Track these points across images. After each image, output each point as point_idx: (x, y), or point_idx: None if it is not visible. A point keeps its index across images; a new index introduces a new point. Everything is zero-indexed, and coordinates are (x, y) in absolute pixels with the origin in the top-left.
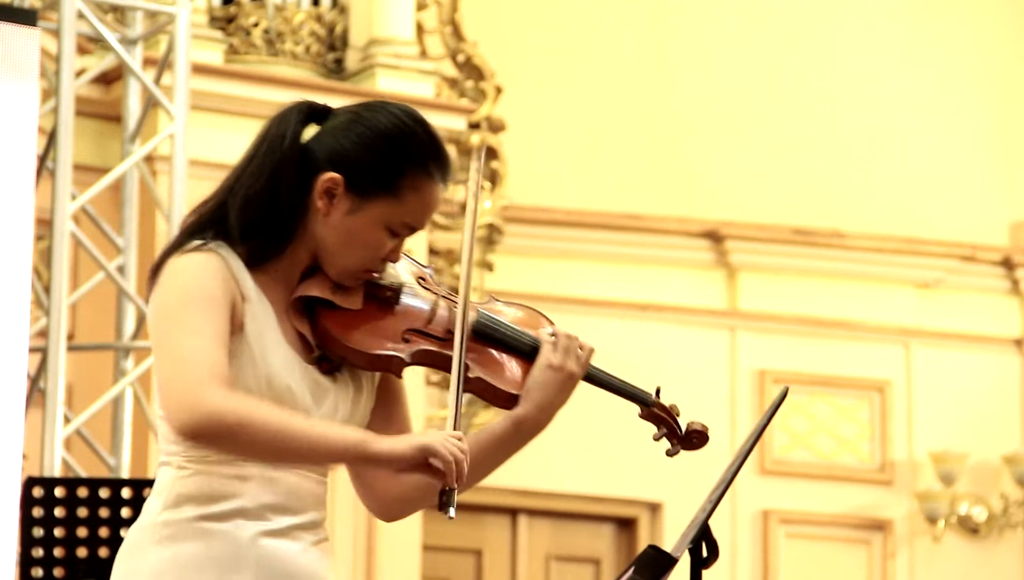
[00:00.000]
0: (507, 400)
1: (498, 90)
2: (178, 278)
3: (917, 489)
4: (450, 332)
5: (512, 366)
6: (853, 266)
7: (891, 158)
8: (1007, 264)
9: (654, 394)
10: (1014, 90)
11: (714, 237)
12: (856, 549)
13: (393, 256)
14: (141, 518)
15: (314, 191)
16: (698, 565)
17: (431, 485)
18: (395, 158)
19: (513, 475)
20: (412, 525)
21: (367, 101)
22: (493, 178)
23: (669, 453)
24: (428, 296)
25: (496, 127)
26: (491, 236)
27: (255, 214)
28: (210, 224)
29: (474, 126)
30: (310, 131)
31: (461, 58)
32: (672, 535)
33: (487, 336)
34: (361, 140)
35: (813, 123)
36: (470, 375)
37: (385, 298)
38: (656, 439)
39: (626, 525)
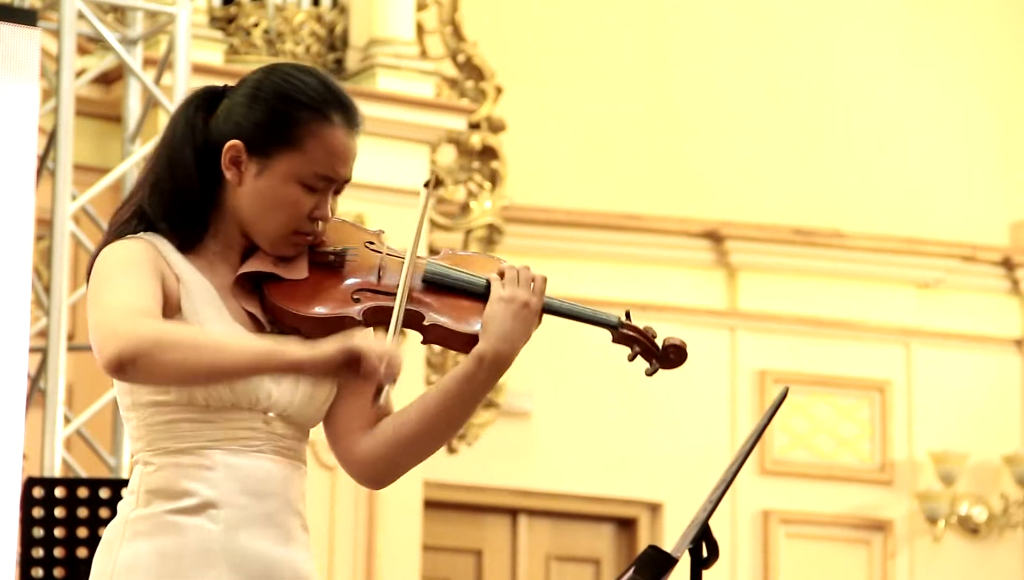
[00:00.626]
0: (469, 343)
1: (498, 90)
2: (106, 260)
3: (917, 489)
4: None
5: (469, 309)
6: (853, 266)
7: (891, 158)
8: (1007, 264)
9: (623, 316)
10: (1014, 90)
11: (714, 237)
12: (856, 549)
13: (318, 213)
14: (116, 516)
15: (221, 165)
16: (698, 565)
17: (412, 441)
18: (288, 110)
19: (513, 475)
20: (412, 525)
21: (263, 67)
22: (493, 178)
23: (648, 372)
24: (374, 256)
25: (496, 127)
26: (491, 236)
27: (169, 200)
28: (133, 218)
29: (474, 126)
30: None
31: (461, 58)
32: (672, 535)
33: (439, 284)
34: (253, 102)
35: (813, 123)
36: (426, 324)
37: (329, 262)
38: (631, 359)
39: (626, 525)
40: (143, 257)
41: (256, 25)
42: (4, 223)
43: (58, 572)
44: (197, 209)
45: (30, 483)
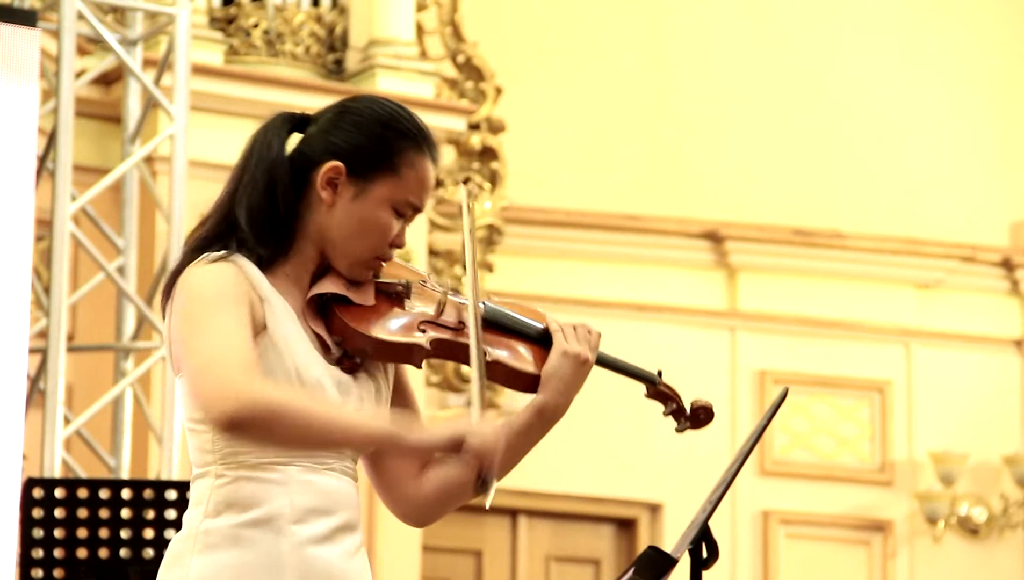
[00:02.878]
0: (528, 383)
1: (498, 91)
2: (194, 288)
3: (917, 489)
4: (462, 322)
5: (526, 351)
6: (853, 266)
7: (891, 158)
8: (1007, 264)
9: (657, 374)
10: (1014, 90)
11: (714, 237)
12: (856, 549)
13: (399, 240)
14: (182, 530)
15: (314, 186)
16: (698, 566)
17: (459, 485)
18: (389, 138)
19: (513, 475)
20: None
21: (347, 97)
22: (493, 179)
23: (678, 430)
24: (434, 292)
25: (496, 128)
26: (491, 237)
27: (260, 221)
28: (216, 238)
29: (474, 127)
30: (294, 138)
31: (461, 59)
32: (672, 536)
33: (498, 324)
34: (355, 127)
35: (813, 123)
36: (489, 360)
37: (396, 293)
38: (665, 416)
39: (626, 526)
40: (231, 286)
41: (256, 26)
42: (4, 223)
43: (58, 573)
44: (285, 228)
45: (30, 484)
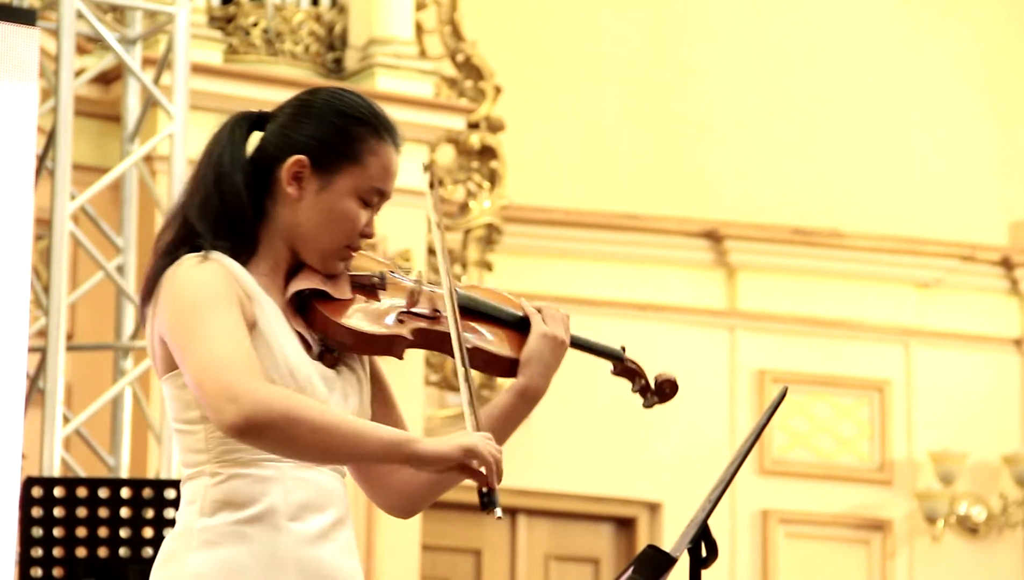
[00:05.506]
0: (507, 368)
1: (497, 90)
2: (187, 290)
3: (916, 489)
4: (437, 311)
5: (503, 336)
6: (853, 266)
7: (891, 158)
8: (1006, 264)
9: (621, 350)
10: (1013, 90)
11: (713, 237)
12: (855, 549)
13: (369, 229)
14: (176, 528)
15: (280, 182)
16: (697, 565)
17: (444, 480)
18: (350, 128)
19: (512, 475)
20: (411, 525)
21: (303, 90)
22: (492, 178)
23: (645, 405)
24: (407, 283)
25: (495, 127)
26: (490, 236)
27: (219, 219)
28: (182, 241)
29: (473, 126)
30: (255, 137)
31: (460, 58)
32: (671, 535)
33: (473, 311)
34: (315, 120)
35: (813, 123)
36: (469, 347)
37: (372, 285)
38: (634, 392)
39: (625, 525)
40: (223, 286)
41: (255, 25)
42: (3, 223)
43: (57, 572)
44: (248, 227)
45: (29, 483)
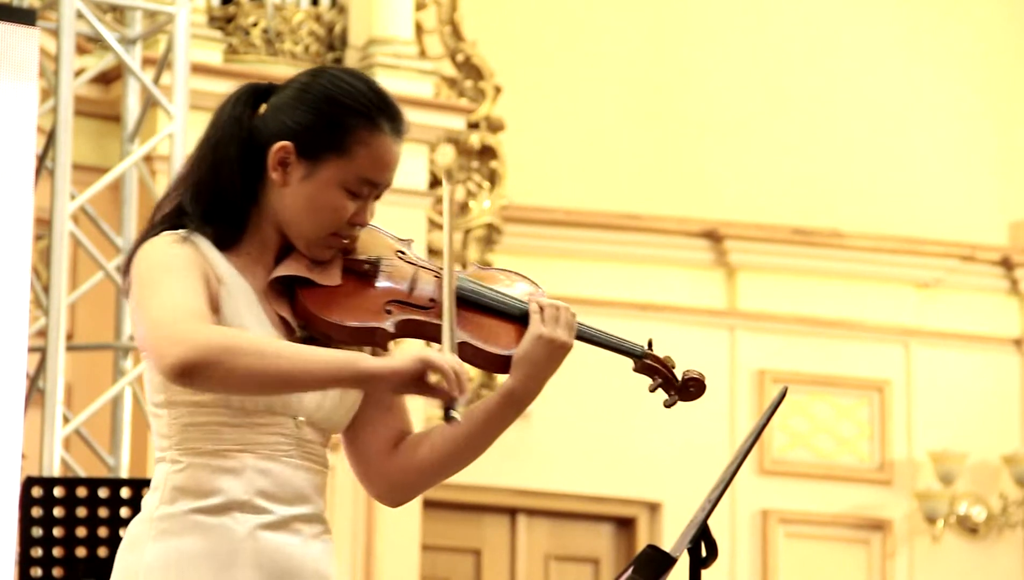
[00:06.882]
0: (499, 364)
1: (497, 90)
2: (150, 256)
3: (916, 489)
4: (433, 301)
5: (501, 330)
6: (853, 266)
7: (891, 158)
8: (1006, 264)
9: (646, 346)
10: (1013, 90)
11: (713, 237)
12: (855, 549)
13: (358, 218)
14: (141, 513)
15: (268, 165)
16: (697, 565)
17: (433, 462)
18: (339, 116)
19: (513, 475)
20: (411, 525)
21: (310, 69)
22: (492, 178)
23: (666, 404)
24: (408, 267)
25: (495, 127)
26: (490, 236)
27: (210, 198)
28: (173, 214)
29: (473, 126)
30: (262, 111)
31: (460, 58)
32: (671, 535)
33: (472, 302)
34: (305, 105)
35: (813, 123)
36: (458, 341)
37: (364, 271)
38: (652, 390)
39: (625, 525)
40: (187, 257)
41: (255, 25)
42: (3, 223)
43: (57, 572)
44: (238, 207)
45: (29, 483)
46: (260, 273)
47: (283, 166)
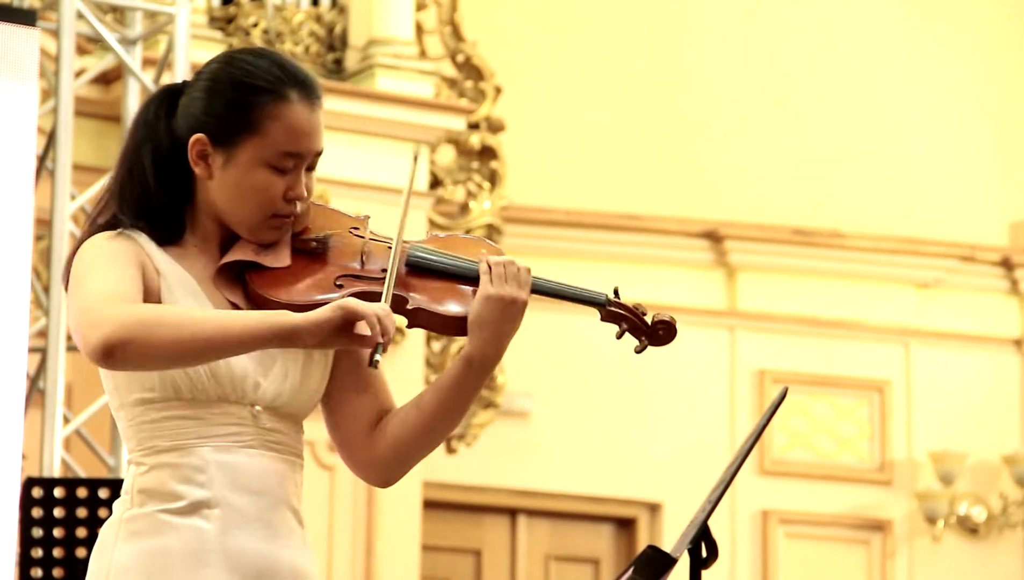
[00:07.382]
0: (455, 326)
1: (497, 90)
2: (86, 252)
3: (916, 489)
4: (384, 270)
5: (455, 293)
6: (853, 266)
7: (891, 158)
8: (1006, 264)
9: (612, 293)
10: (1013, 90)
11: (713, 237)
12: (855, 549)
13: (292, 193)
14: (111, 517)
15: (190, 161)
16: (697, 565)
17: (415, 439)
18: (244, 97)
19: (512, 475)
20: (411, 525)
21: (215, 56)
22: (492, 178)
23: (637, 350)
24: (358, 241)
25: (495, 127)
26: (490, 236)
27: (135, 205)
28: (109, 222)
29: (473, 126)
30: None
31: (460, 58)
32: (671, 535)
33: (423, 267)
34: (210, 95)
35: (813, 123)
36: (410, 307)
37: (312, 249)
38: (619, 337)
39: (625, 525)
40: (122, 249)
41: (255, 25)
42: (3, 223)
43: (57, 572)
44: (168, 208)
45: (29, 483)
46: (207, 262)
47: (203, 159)
